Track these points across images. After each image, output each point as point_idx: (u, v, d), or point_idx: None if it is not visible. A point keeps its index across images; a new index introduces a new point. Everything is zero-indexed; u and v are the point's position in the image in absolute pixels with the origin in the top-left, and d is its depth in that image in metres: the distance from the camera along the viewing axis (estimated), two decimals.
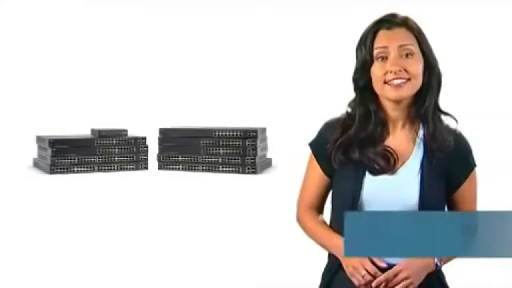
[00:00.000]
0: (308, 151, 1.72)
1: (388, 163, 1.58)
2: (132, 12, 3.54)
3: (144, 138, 3.31)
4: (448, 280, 1.65)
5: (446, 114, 1.63)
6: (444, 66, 1.63)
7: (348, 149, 1.61)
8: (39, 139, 3.30)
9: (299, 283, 2.08)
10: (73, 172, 3.14)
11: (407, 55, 1.57)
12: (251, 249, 2.68)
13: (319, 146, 1.68)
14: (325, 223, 1.70)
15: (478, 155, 1.65)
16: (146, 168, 3.29)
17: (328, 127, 1.67)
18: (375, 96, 1.61)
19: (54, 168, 3.11)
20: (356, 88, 1.64)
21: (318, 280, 1.70)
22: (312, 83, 3.36)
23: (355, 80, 1.64)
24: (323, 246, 1.67)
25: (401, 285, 1.53)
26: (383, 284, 1.53)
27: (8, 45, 3.48)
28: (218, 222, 2.72)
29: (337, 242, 1.59)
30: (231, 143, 3.15)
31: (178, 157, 3.23)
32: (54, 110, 3.44)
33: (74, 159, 3.14)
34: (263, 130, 3.27)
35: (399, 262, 1.54)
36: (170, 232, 2.73)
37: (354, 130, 1.62)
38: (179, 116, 3.45)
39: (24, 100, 3.44)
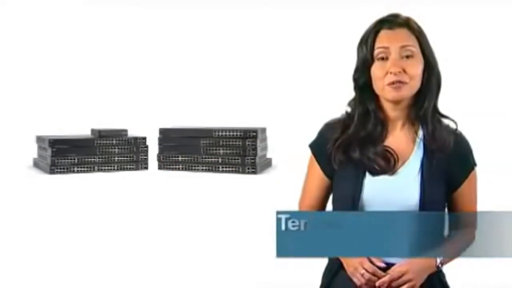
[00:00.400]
0: (308, 151, 1.71)
1: (388, 164, 1.58)
2: (132, 12, 3.54)
3: (144, 138, 3.30)
4: (448, 280, 1.65)
5: (445, 117, 1.63)
6: (444, 66, 1.63)
7: (348, 148, 1.60)
8: (39, 139, 3.30)
9: (299, 283, 2.08)
10: (73, 172, 3.14)
11: (407, 56, 1.57)
12: (251, 249, 2.68)
13: (319, 146, 1.67)
14: None
15: (478, 155, 1.65)
16: (146, 168, 3.29)
17: (328, 127, 1.67)
18: (375, 96, 1.61)
19: (54, 168, 3.11)
20: (356, 87, 1.63)
21: (318, 280, 1.70)
22: (312, 83, 3.36)
23: (355, 79, 1.63)
24: None
25: (405, 286, 1.52)
26: (386, 284, 1.53)
27: (8, 45, 3.48)
28: (218, 222, 2.72)
29: None
30: (231, 143, 3.14)
31: (178, 157, 3.23)
32: (54, 110, 3.44)
33: (74, 159, 3.14)
34: (263, 130, 3.27)
35: (398, 261, 1.53)
36: (170, 232, 2.72)
37: (353, 129, 1.62)
38: (179, 116, 3.45)
39: (24, 100, 3.44)
